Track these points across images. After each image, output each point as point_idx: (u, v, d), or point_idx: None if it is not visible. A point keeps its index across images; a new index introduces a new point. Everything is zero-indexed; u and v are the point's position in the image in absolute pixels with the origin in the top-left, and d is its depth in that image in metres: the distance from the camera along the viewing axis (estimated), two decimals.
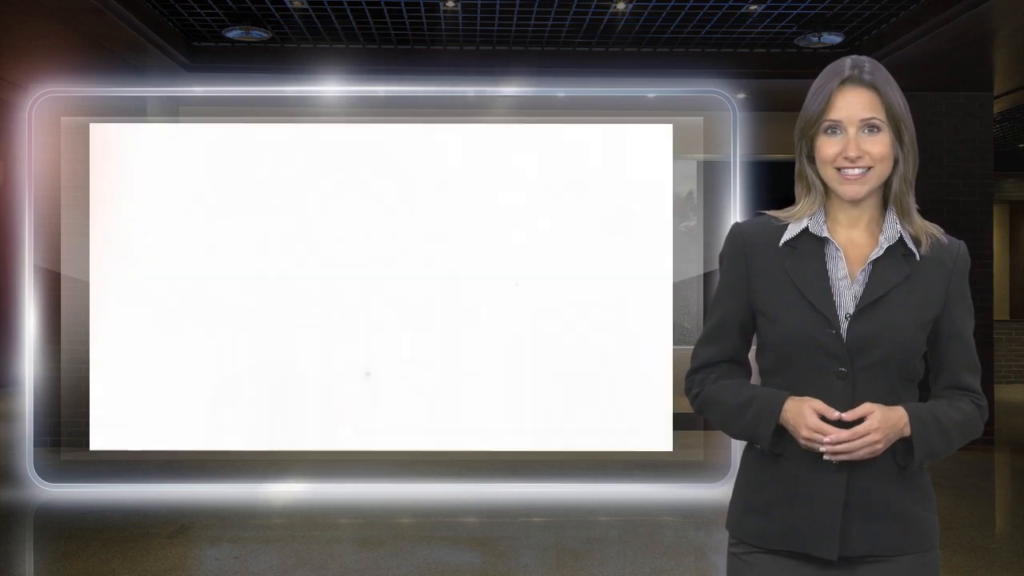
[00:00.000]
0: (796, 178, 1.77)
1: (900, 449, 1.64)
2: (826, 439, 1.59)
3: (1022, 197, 12.83)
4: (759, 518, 1.73)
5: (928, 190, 7.50)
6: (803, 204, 1.74)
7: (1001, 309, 12.24)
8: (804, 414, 1.62)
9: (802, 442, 1.63)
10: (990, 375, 7.70)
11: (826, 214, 1.74)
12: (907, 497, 1.68)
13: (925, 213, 1.73)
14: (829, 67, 1.72)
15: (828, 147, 1.68)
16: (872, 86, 1.67)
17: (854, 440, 1.58)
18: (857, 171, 1.66)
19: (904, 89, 1.74)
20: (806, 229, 1.72)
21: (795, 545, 1.69)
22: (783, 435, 1.67)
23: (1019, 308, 12.81)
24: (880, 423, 1.59)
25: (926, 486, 1.72)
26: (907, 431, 1.62)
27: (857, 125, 1.66)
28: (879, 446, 1.60)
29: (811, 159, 1.72)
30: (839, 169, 1.67)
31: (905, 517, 1.68)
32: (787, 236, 1.73)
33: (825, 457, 1.61)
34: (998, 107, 8.31)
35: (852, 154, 1.65)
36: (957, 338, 1.72)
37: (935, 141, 7.61)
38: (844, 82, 1.68)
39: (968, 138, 7.67)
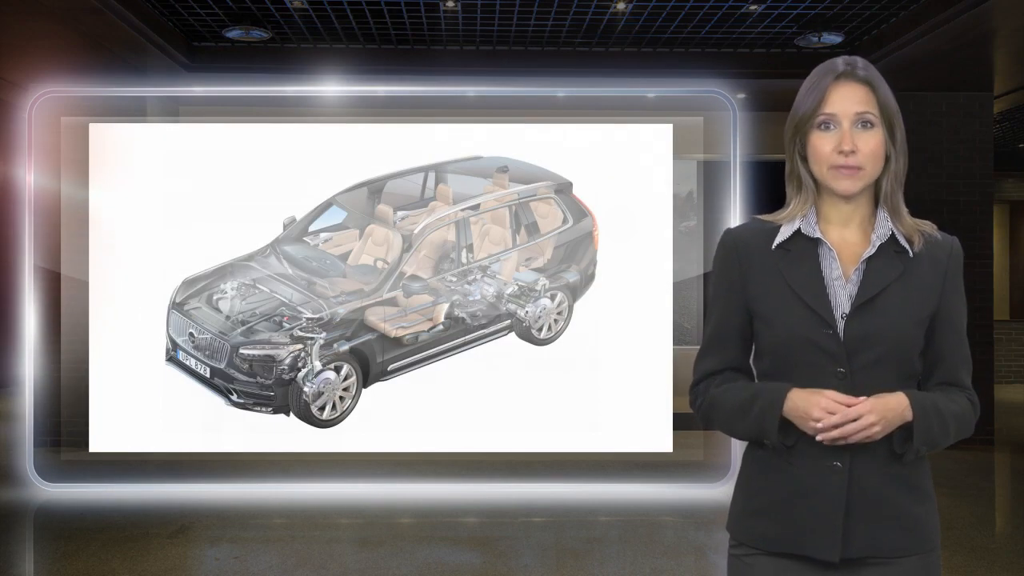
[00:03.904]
0: (787, 178, 1.77)
1: (898, 437, 1.64)
2: (818, 417, 1.60)
3: (1022, 197, 12.83)
4: (760, 520, 1.73)
5: (928, 190, 7.50)
6: (794, 204, 1.74)
7: (1001, 309, 12.24)
8: (823, 393, 1.61)
9: (811, 425, 1.61)
10: (990, 375, 7.69)
11: (818, 214, 1.74)
12: (908, 498, 1.68)
13: (925, 213, 1.73)
14: (820, 66, 1.73)
15: (822, 142, 1.68)
16: (866, 82, 1.68)
17: (845, 422, 1.59)
18: (851, 168, 1.66)
19: (904, 89, 1.75)
20: (798, 230, 1.72)
21: (796, 547, 1.68)
22: (791, 429, 1.67)
23: (1019, 308, 12.81)
24: (873, 405, 1.59)
25: (927, 487, 1.72)
26: (908, 415, 1.62)
27: (851, 119, 1.66)
28: (876, 428, 1.60)
29: (804, 158, 1.73)
30: (834, 166, 1.67)
31: (906, 518, 1.68)
32: (780, 238, 1.73)
33: (818, 438, 1.61)
34: (998, 107, 8.31)
35: (846, 147, 1.65)
36: (953, 334, 1.73)
37: (935, 141, 7.60)
38: (838, 78, 1.69)
39: (968, 138, 7.67)
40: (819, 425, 1.60)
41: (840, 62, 1.70)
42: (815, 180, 1.72)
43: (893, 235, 1.70)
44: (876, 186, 1.71)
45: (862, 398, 1.61)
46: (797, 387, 1.66)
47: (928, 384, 1.74)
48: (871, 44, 6.92)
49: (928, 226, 1.73)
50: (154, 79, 7.11)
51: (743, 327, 1.77)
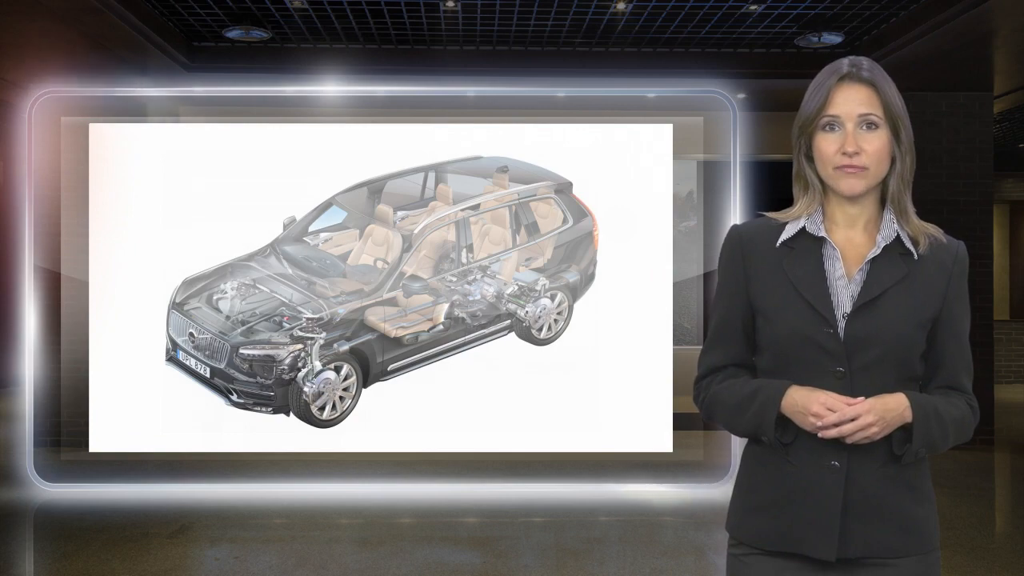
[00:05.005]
0: (794, 178, 1.77)
1: (897, 438, 1.64)
2: (816, 412, 1.61)
3: (1022, 197, 12.83)
4: (758, 519, 1.73)
5: (928, 190, 7.50)
6: (801, 204, 1.75)
7: (1001, 309, 12.24)
8: (817, 392, 1.62)
9: (811, 420, 1.62)
10: (990, 375, 7.70)
11: (824, 214, 1.74)
12: (907, 498, 1.68)
13: (925, 213, 1.73)
14: (827, 67, 1.73)
15: (826, 143, 1.68)
16: (870, 83, 1.68)
17: (842, 421, 1.59)
18: (855, 168, 1.66)
19: (904, 89, 1.74)
20: (803, 229, 1.73)
21: (794, 546, 1.68)
22: (788, 426, 1.68)
23: (1019, 308, 12.81)
24: (872, 405, 1.60)
25: (926, 487, 1.72)
26: (908, 416, 1.62)
27: (855, 121, 1.66)
28: (874, 429, 1.60)
29: (809, 158, 1.73)
30: (838, 167, 1.67)
31: (905, 519, 1.68)
32: (784, 236, 1.73)
33: (820, 434, 1.62)
34: (998, 107, 8.31)
35: (850, 148, 1.65)
36: (955, 339, 1.73)
37: (935, 141, 7.61)
38: (842, 79, 1.68)
39: (968, 138, 7.67)
40: (819, 423, 1.60)
41: (845, 63, 1.70)
42: (821, 181, 1.72)
43: (899, 237, 1.70)
44: (883, 187, 1.71)
45: (861, 398, 1.61)
46: (797, 384, 1.67)
47: (929, 388, 1.74)
48: (871, 44, 6.92)
49: (934, 229, 1.73)
50: (154, 79, 7.11)
51: (746, 323, 1.77)
